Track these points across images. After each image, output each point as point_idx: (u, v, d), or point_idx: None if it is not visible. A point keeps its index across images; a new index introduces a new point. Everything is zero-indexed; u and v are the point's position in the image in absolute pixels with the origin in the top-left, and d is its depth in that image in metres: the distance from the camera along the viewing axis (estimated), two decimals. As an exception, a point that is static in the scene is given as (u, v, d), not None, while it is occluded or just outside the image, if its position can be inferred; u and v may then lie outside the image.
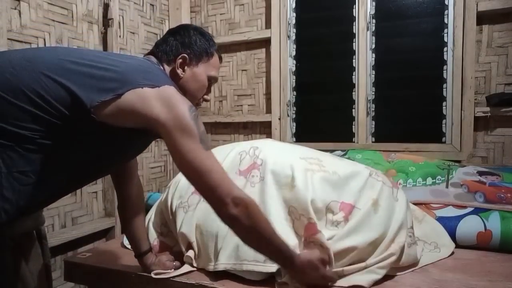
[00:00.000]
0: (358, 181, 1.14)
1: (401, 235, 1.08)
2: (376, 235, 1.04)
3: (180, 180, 1.29)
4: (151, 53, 0.99)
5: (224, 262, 1.05)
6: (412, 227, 1.15)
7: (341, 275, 1.00)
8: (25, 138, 0.76)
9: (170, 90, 0.84)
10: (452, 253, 1.22)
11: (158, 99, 0.81)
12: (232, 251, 1.05)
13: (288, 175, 1.11)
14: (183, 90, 0.94)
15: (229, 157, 1.25)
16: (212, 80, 1.02)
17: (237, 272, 1.05)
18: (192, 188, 1.24)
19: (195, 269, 1.11)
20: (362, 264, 1.01)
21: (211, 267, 1.06)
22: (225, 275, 1.06)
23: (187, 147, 0.80)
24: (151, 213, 1.36)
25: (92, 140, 0.83)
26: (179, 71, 0.96)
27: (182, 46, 0.97)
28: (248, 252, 1.03)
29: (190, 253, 1.12)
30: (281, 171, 1.13)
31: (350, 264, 1.02)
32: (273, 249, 0.90)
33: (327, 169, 1.14)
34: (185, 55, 0.96)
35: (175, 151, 0.81)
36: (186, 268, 1.10)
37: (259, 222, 0.86)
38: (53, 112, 0.76)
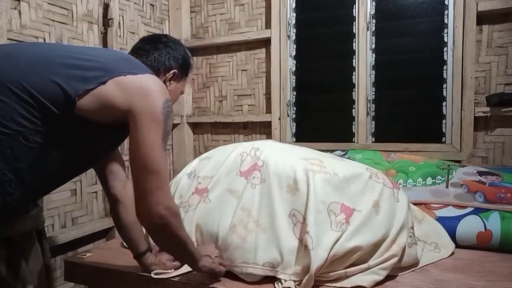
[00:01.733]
0: (358, 184, 1.14)
1: (402, 236, 1.08)
2: (378, 236, 1.05)
3: (181, 180, 1.29)
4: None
5: (223, 263, 1.05)
6: (412, 227, 1.15)
7: (343, 277, 1.00)
8: (5, 137, 0.75)
9: (151, 79, 0.86)
10: (452, 253, 1.22)
11: (137, 87, 0.82)
12: (232, 253, 1.05)
13: (290, 176, 1.11)
14: None
15: (230, 157, 1.25)
16: (180, 94, 1.10)
17: (237, 273, 1.05)
18: (192, 188, 1.24)
19: None
20: (365, 265, 1.02)
21: None
22: (225, 275, 1.06)
23: (150, 140, 0.80)
24: None
25: (73, 139, 0.83)
26: (167, 83, 1.00)
27: (174, 60, 1.02)
28: (248, 255, 1.04)
29: None
30: (282, 173, 1.13)
31: (352, 265, 1.02)
32: (186, 254, 0.95)
33: (328, 170, 1.14)
34: (176, 71, 1.01)
35: (137, 139, 0.81)
36: (186, 268, 1.09)
37: (178, 232, 0.88)
38: (36, 106, 0.76)
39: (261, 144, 1.28)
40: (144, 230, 1.11)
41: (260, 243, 1.04)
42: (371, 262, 1.02)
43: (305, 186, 1.08)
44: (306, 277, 0.95)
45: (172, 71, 1.00)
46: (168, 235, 0.87)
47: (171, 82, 1.01)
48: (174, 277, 1.06)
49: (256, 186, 1.14)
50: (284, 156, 1.19)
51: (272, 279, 1.02)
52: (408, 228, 1.11)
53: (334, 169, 1.16)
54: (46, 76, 0.77)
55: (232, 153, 1.27)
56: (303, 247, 1.01)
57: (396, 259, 1.03)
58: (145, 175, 0.80)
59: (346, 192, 1.11)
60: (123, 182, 1.10)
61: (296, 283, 0.98)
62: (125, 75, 0.82)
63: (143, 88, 0.82)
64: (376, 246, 1.05)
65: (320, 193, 1.07)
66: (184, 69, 1.05)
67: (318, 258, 0.96)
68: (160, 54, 0.99)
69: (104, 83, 0.79)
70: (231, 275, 1.06)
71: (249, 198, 1.12)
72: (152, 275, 1.06)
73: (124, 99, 0.80)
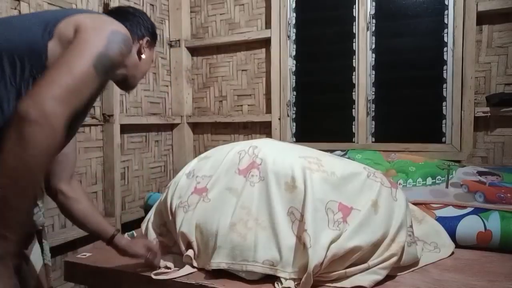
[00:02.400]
0: (356, 183, 1.14)
1: (401, 235, 1.08)
2: (378, 236, 1.05)
3: (180, 180, 1.29)
4: None
5: (223, 261, 1.05)
6: (411, 226, 1.16)
7: (343, 277, 1.00)
8: None
9: (108, 16, 0.85)
10: (452, 253, 1.22)
11: (89, 15, 0.80)
12: (231, 250, 1.06)
13: (288, 174, 1.12)
14: (140, 70, 1.01)
15: (228, 156, 1.26)
16: (151, 63, 1.10)
17: (236, 272, 1.05)
18: (191, 188, 1.24)
19: (195, 270, 1.10)
20: (365, 265, 1.02)
21: (210, 266, 1.07)
22: (225, 275, 1.06)
23: (82, 46, 0.73)
24: (151, 214, 1.36)
25: None
26: (143, 50, 1.01)
27: (145, 29, 1.03)
28: (248, 253, 1.04)
29: (190, 252, 1.12)
30: (280, 171, 1.13)
31: (352, 265, 1.02)
32: (20, 205, 0.68)
33: (325, 169, 1.14)
34: (148, 38, 1.03)
35: (69, 46, 0.74)
36: (187, 269, 1.09)
37: (36, 155, 0.65)
38: (18, 68, 0.74)
39: (259, 143, 1.28)
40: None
41: (260, 241, 1.05)
42: (371, 262, 1.02)
43: (302, 184, 1.08)
44: (305, 275, 0.95)
45: (145, 39, 1.02)
46: (26, 146, 0.64)
47: (145, 49, 1.03)
48: (175, 278, 1.06)
49: (255, 184, 1.14)
50: (282, 154, 1.19)
51: (272, 279, 1.02)
52: (407, 227, 1.11)
53: (332, 168, 1.16)
54: (21, 34, 0.76)
55: (230, 152, 1.27)
56: (302, 245, 1.01)
57: (396, 258, 1.03)
58: (57, 68, 0.70)
59: (344, 191, 1.11)
60: (68, 179, 1.04)
61: (296, 282, 0.98)
62: (81, 13, 0.81)
63: (96, 14, 0.81)
64: (375, 246, 1.05)
65: (318, 192, 1.07)
66: (154, 37, 1.07)
67: (316, 256, 0.96)
68: (132, 23, 0.99)
69: (62, 21, 0.78)
70: (232, 275, 1.06)
71: (248, 196, 1.13)
72: (152, 275, 1.06)
73: (74, 24, 0.77)
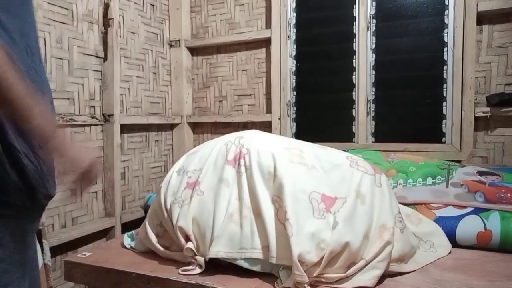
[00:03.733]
0: (338, 174, 1.16)
1: (389, 220, 1.08)
2: (367, 226, 1.05)
3: (171, 179, 1.29)
4: None
5: (221, 250, 1.06)
6: (399, 212, 1.16)
7: (344, 278, 1.00)
8: None
9: None
10: (449, 253, 1.22)
11: None
12: (229, 240, 1.06)
13: (270, 165, 1.13)
14: None
15: (216, 148, 1.27)
16: None
17: (233, 261, 1.05)
18: (184, 184, 1.24)
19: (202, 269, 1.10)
20: (363, 262, 1.01)
21: (208, 255, 1.07)
22: (225, 274, 1.06)
23: None
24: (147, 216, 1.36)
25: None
26: None
27: None
28: (246, 241, 1.05)
29: (190, 244, 1.11)
30: (263, 161, 1.15)
31: (351, 263, 1.02)
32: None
33: (306, 161, 1.16)
34: None
35: None
36: (198, 269, 1.10)
37: None
38: None
39: (245, 133, 1.30)
40: None
41: (256, 228, 1.06)
42: (368, 256, 1.02)
43: (283, 174, 1.10)
44: (292, 265, 0.96)
45: None
46: None
47: None
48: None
49: (244, 173, 1.16)
50: (267, 145, 1.21)
51: (272, 279, 1.03)
52: (396, 213, 1.12)
53: (313, 161, 1.18)
54: None
55: (217, 144, 1.29)
56: (286, 232, 1.02)
57: (391, 247, 1.03)
58: None
59: (326, 183, 1.13)
60: None
61: (296, 281, 0.99)
62: None
63: None
64: (366, 237, 1.05)
65: (299, 182, 1.09)
66: None
67: (299, 245, 0.97)
68: None
69: None
70: (231, 275, 1.06)
71: (239, 186, 1.14)
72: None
73: None
